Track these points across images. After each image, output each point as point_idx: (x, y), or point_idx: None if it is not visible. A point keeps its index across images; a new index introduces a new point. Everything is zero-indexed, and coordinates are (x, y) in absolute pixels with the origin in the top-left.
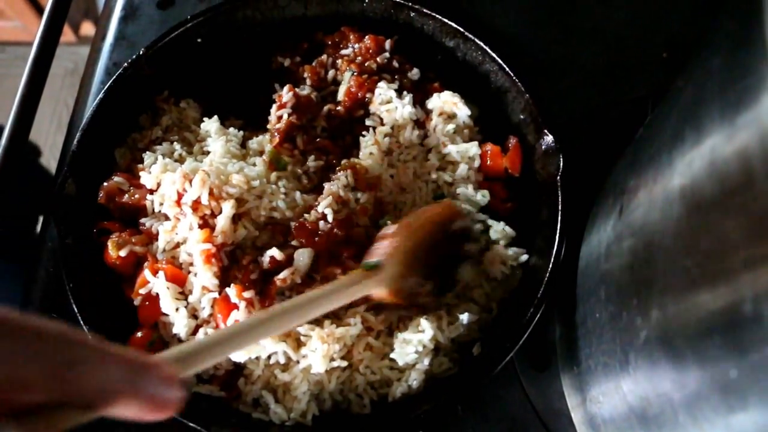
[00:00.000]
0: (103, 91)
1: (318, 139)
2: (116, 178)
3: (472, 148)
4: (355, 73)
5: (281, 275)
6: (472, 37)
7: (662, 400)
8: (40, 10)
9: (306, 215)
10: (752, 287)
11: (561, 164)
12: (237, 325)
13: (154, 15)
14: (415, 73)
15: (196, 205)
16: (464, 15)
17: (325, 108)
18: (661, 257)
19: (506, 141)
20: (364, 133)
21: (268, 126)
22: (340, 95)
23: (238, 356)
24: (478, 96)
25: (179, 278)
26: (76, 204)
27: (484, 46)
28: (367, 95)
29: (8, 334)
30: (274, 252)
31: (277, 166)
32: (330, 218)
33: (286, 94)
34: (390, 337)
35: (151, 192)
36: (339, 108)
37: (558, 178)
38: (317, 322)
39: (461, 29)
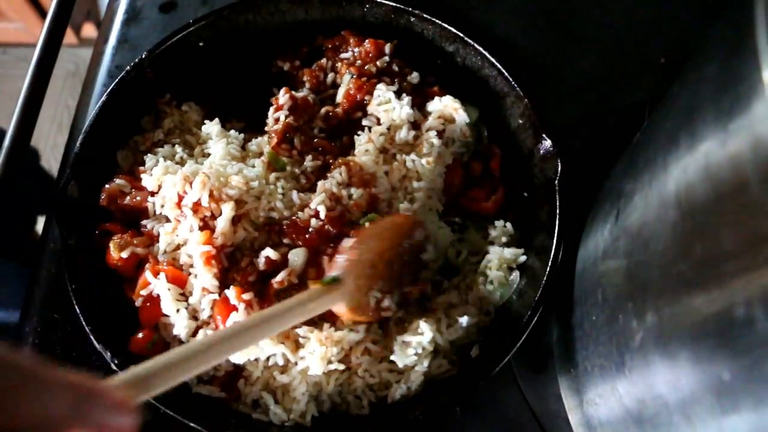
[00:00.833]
0: (105, 93)
1: (315, 140)
2: (118, 181)
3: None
4: (354, 76)
5: (278, 278)
6: (472, 42)
7: (657, 402)
8: (41, 12)
9: (300, 213)
10: (745, 292)
11: (559, 168)
12: (190, 345)
13: (157, 18)
14: (414, 77)
15: (196, 207)
16: (463, 20)
17: (323, 109)
18: (657, 261)
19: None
20: (359, 132)
21: (266, 128)
22: (339, 97)
23: (237, 358)
24: (476, 100)
25: (180, 280)
26: (79, 206)
27: (483, 51)
28: (366, 97)
29: None
30: (269, 252)
31: (275, 167)
32: (322, 215)
33: (282, 96)
34: (388, 339)
35: (153, 194)
36: (337, 110)
37: (556, 182)
38: (315, 324)
39: (460, 34)
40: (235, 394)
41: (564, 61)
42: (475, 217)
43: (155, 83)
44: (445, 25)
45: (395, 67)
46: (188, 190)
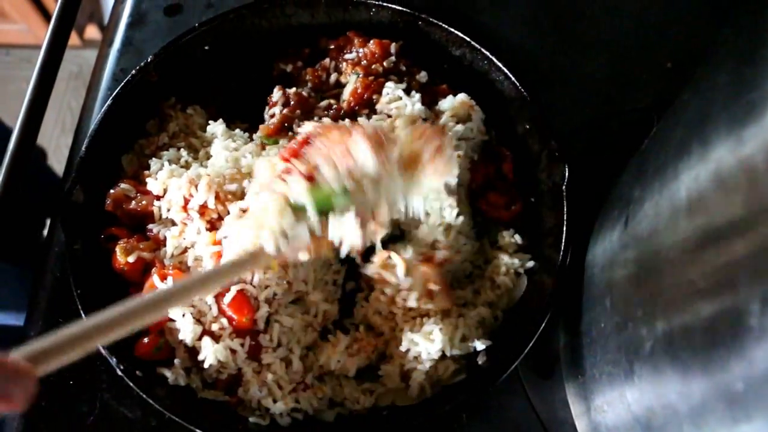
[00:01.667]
0: (111, 97)
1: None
2: (123, 185)
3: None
4: (360, 75)
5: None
6: (479, 47)
7: (667, 411)
8: (45, 14)
9: None
10: (758, 300)
11: (566, 173)
12: (107, 312)
13: (162, 22)
14: (423, 76)
15: (203, 209)
16: (470, 24)
17: (325, 101)
18: (667, 269)
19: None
20: None
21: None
22: (346, 95)
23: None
24: (483, 104)
25: None
26: (84, 210)
27: (490, 56)
28: (374, 96)
29: None
30: None
31: (268, 143)
32: None
33: (275, 94)
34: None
35: (158, 198)
36: (342, 104)
37: (563, 187)
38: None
39: (467, 38)
40: (239, 398)
41: (570, 65)
42: (487, 221)
43: (160, 87)
44: (452, 30)
45: (402, 67)
46: (194, 193)
